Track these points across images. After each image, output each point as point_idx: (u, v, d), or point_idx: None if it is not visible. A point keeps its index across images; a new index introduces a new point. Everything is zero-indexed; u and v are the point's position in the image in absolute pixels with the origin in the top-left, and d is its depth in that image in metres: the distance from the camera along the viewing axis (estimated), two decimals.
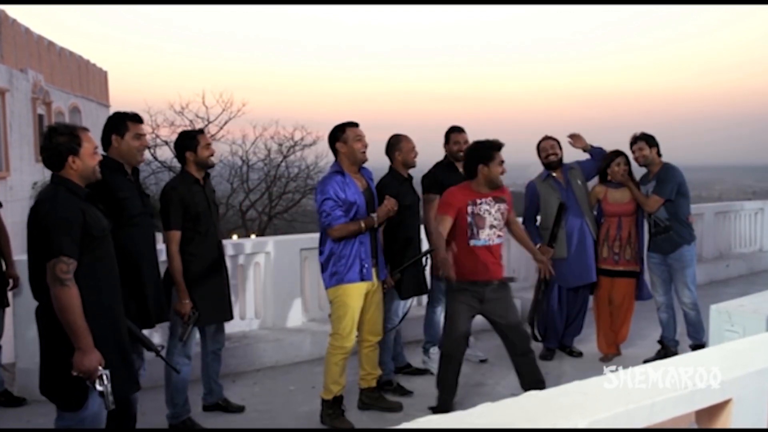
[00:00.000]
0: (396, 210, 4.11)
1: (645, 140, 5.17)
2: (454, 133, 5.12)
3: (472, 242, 4.07)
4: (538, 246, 5.14)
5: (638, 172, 5.39)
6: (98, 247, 2.83)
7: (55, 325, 2.72)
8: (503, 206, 4.17)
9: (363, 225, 3.99)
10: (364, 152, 4.12)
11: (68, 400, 2.80)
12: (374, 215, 4.06)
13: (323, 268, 4.14)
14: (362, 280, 4.06)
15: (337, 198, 3.99)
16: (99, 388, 2.71)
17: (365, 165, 4.26)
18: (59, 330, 2.71)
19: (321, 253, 4.14)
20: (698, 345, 5.14)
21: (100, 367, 2.72)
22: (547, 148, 5.34)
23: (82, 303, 2.70)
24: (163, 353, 3.73)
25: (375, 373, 4.34)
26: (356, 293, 4.07)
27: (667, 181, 5.10)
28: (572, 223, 5.26)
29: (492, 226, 4.10)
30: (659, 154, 5.21)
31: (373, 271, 4.14)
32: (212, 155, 4.13)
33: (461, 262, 4.06)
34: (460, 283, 4.03)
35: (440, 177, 4.98)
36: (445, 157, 5.16)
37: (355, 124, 4.16)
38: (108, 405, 2.75)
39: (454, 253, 4.08)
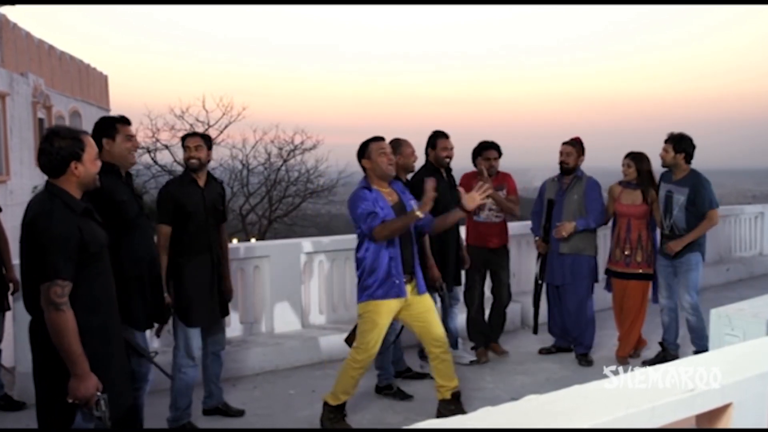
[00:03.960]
0: (434, 192, 3.92)
1: (672, 144, 5.14)
2: (441, 138, 5.10)
3: (475, 218, 5.42)
4: (535, 239, 5.64)
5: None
6: (95, 263, 2.72)
7: (48, 346, 2.60)
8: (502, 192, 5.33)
9: (406, 219, 3.88)
10: (391, 166, 4.05)
11: (55, 423, 2.69)
12: (416, 208, 3.91)
13: (358, 279, 4.07)
14: (395, 296, 3.95)
15: (371, 206, 3.90)
16: (96, 414, 2.60)
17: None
18: (53, 352, 2.59)
19: (357, 265, 4.08)
20: (702, 352, 5.12)
21: (97, 393, 2.61)
22: (563, 154, 5.43)
23: (79, 323, 2.59)
24: (157, 359, 3.71)
25: (448, 385, 4.14)
26: (385, 311, 3.98)
27: (705, 191, 5.09)
28: (554, 226, 5.40)
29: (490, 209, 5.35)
30: (688, 161, 5.17)
31: (410, 286, 4.04)
32: (191, 158, 4.08)
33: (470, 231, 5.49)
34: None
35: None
36: (428, 162, 5.15)
37: (379, 139, 4.12)
38: (106, 426, 2.64)
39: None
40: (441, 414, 4.17)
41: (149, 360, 3.56)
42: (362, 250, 4.01)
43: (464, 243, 5.47)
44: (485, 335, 5.61)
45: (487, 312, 5.68)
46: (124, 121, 3.55)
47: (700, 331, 5.20)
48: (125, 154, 3.52)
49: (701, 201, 5.07)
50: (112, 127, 3.48)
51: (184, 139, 4.21)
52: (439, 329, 4.09)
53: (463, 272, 5.45)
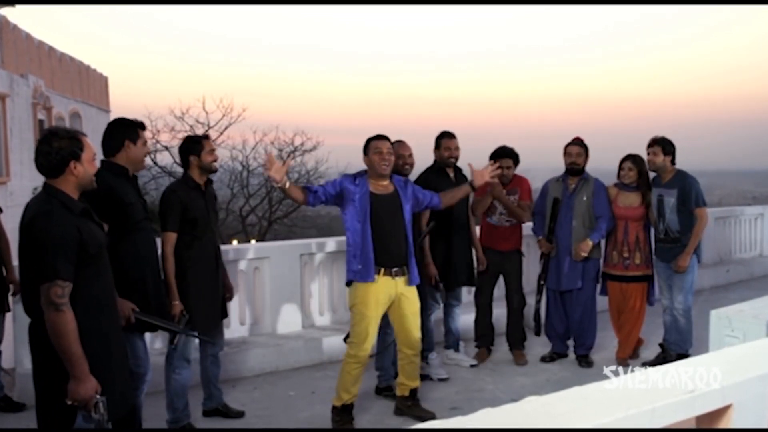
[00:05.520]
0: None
1: (661, 146, 5.14)
2: (444, 138, 5.14)
3: (488, 220, 5.46)
4: (539, 239, 5.54)
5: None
6: (94, 264, 2.72)
7: (47, 348, 2.60)
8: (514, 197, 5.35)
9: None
10: (384, 165, 4.11)
11: (55, 425, 2.70)
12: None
13: None
14: (361, 280, 4.03)
15: (337, 184, 4.12)
16: (95, 416, 2.59)
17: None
18: (52, 353, 2.59)
19: None
20: (683, 355, 5.11)
21: (96, 395, 2.60)
22: (573, 155, 5.37)
23: (78, 325, 2.58)
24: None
25: (410, 384, 4.32)
26: (372, 302, 4.04)
27: (692, 190, 5.10)
28: (564, 229, 5.35)
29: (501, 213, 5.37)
30: (673, 162, 5.20)
31: (401, 280, 4.11)
32: (215, 161, 4.19)
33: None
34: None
35: (432, 183, 4.98)
36: (435, 162, 5.18)
37: (379, 138, 4.20)
38: (104, 427, 2.64)
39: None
40: (398, 409, 4.40)
41: (182, 333, 3.59)
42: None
43: (479, 243, 5.46)
44: (489, 337, 5.61)
45: (495, 314, 5.65)
46: (143, 126, 3.63)
47: (687, 333, 5.22)
48: (142, 158, 3.60)
49: (689, 200, 5.08)
50: (134, 130, 3.54)
51: (202, 140, 4.17)
52: (416, 334, 4.22)
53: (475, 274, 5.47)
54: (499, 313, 5.69)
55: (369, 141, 4.21)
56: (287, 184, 3.98)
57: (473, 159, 5.53)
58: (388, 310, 4.17)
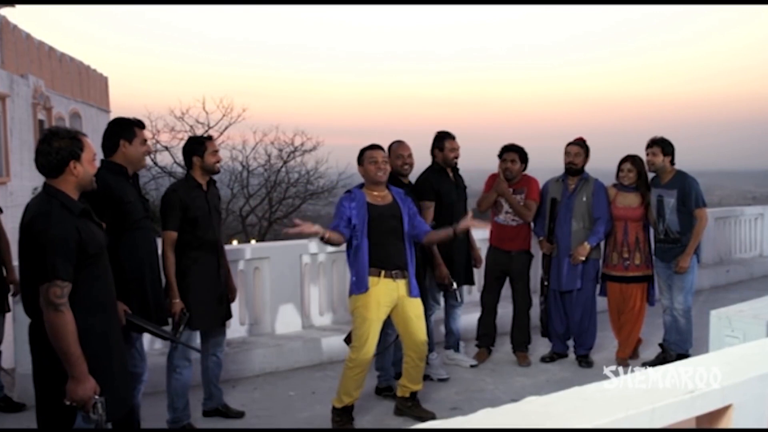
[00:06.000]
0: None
1: (660, 147, 5.13)
2: (448, 139, 5.10)
3: (495, 219, 5.45)
4: (540, 239, 5.50)
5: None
6: (94, 264, 2.71)
7: (47, 348, 2.60)
8: (519, 196, 5.32)
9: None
10: (380, 174, 4.12)
11: (55, 425, 2.70)
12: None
13: None
14: (358, 292, 4.04)
15: (342, 210, 4.10)
16: (93, 416, 2.59)
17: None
18: (52, 354, 2.58)
19: None
20: (683, 355, 5.11)
21: (95, 396, 2.60)
22: (571, 155, 5.36)
23: (78, 326, 2.58)
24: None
25: (412, 387, 4.30)
26: (374, 304, 4.04)
27: (692, 190, 5.10)
28: (563, 229, 5.34)
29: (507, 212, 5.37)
30: (672, 163, 5.19)
31: (402, 283, 4.11)
32: (218, 162, 4.18)
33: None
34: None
35: (435, 184, 4.99)
36: (434, 162, 5.16)
37: (374, 147, 4.20)
38: (103, 427, 2.64)
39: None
40: (398, 409, 4.39)
41: (175, 341, 3.64)
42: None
43: (475, 242, 5.45)
44: (490, 337, 5.60)
45: (499, 314, 5.63)
46: (141, 125, 3.60)
47: (687, 334, 5.22)
48: (140, 157, 3.57)
49: (689, 200, 5.08)
50: (131, 129, 3.51)
51: (205, 141, 4.16)
52: (422, 337, 4.17)
53: (479, 273, 5.46)
54: (503, 313, 5.68)
55: (363, 151, 4.20)
56: (327, 234, 3.97)
57: (473, 159, 5.54)
58: (392, 313, 4.16)
